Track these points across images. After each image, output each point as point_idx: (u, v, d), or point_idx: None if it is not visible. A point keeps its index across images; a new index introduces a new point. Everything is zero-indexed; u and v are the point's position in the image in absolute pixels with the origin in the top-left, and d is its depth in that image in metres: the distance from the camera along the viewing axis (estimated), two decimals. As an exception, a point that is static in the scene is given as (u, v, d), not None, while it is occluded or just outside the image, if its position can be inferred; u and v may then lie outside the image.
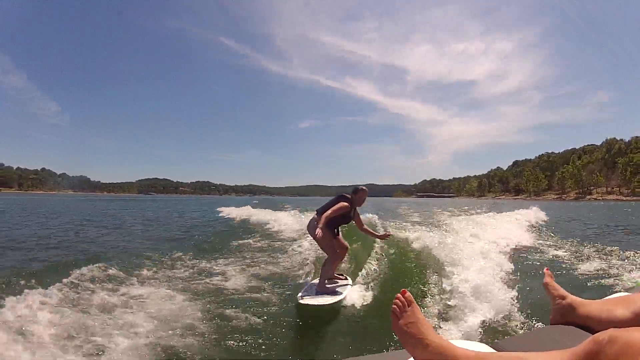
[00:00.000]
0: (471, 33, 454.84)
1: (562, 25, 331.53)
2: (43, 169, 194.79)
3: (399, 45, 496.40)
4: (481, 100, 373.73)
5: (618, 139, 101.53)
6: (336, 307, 3.28)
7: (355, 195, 3.74)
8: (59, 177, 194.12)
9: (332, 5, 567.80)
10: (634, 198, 72.55)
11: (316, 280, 3.79)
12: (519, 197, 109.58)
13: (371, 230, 4.02)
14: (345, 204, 3.63)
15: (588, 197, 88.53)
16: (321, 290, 3.50)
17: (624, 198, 75.46)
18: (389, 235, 4.03)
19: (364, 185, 3.87)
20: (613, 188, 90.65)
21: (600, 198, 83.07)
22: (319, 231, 3.37)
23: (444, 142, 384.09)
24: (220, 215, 13.95)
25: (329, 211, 3.53)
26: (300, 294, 3.40)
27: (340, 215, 3.66)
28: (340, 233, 3.95)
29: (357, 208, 3.88)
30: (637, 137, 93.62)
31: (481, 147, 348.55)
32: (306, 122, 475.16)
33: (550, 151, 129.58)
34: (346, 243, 4.01)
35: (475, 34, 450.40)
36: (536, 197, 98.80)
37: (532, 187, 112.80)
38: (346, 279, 3.95)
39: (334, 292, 3.48)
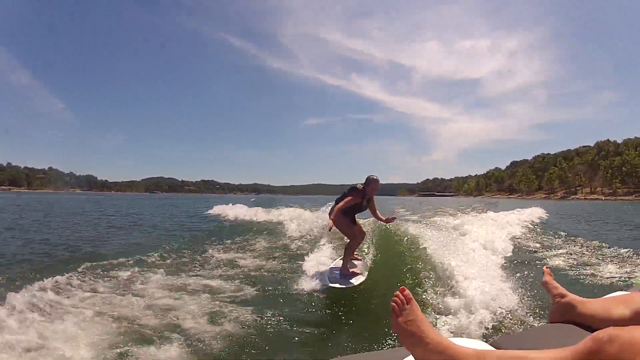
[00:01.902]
0: (478, 30, 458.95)
1: (569, 24, 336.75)
2: (50, 168, 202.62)
3: (405, 43, 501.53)
4: (487, 98, 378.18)
5: (612, 140, 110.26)
6: (335, 302, 3.49)
7: (368, 186, 4.06)
8: (67, 176, 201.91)
9: (338, 3, 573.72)
10: (612, 198, 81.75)
11: (335, 264, 4.39)
12: (512, 196, 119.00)
13: (380, 216, 4.31)
14: (355, 197, 4.03)
15: (572, 197, 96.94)
16: (345, 273, 3.96)
17: (603, 198, 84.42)
18: (394, 218, 4.38)
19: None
20: (596, 188, 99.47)
21: (582, 198, 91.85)
22: (330, 222, 3.84)
23: (449, 140, 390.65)
24: (217, 213, 14.64)
25: (341, 203, 4.01)
26: (327, 278, 3.82)
27: (353, 206, 4.07)
28: (356, 220, 4.36)
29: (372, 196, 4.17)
30: (628, 139, 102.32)
31: (487, 145, 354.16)
32: (311, 120, 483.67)
33: (547, 152, 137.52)
34: (364, 230, 4.48)
35: (482, 32, 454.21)
36: (527, 197, 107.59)
37: (524, 187, 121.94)
38: (361, 260, 4.52)
39: (355, 274, 3.96)
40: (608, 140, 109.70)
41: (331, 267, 4.29)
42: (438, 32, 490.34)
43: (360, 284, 3.78)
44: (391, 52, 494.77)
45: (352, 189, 4.11)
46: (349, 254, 4.13)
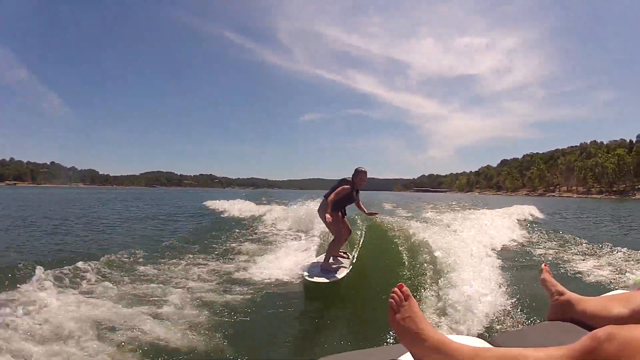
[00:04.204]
0: (475, 27, 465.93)
1: (568, 22, 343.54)
2: (53, 163, 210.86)
3: (403, 39, 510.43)
4: (484, 96, 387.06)
5: (599, 141, 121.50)
6: (332, 299, 3.62)
7: (356, 177, 4.32)
8: (69, 171, 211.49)
9: None
10: (584, 196, 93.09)
11: (317, 260, 4.51)
12: (498, 193, 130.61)
13: (364, 208, 4.60)
14: (346, 186, 4.25)
15: (549, 194, 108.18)
16: (325, 268, 4.08)
17: (575, 196, 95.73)
18: (376, 214, 4.78)
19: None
20: (572, 187, 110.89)
21: (557, 195, 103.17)
22: (329, 217, 3.98)
23: (446, 137, 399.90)
24: (207, 208, 14.56)
25: (332, 195, 4.17)
26: (305, 273, 3.87)
27: (343, 197, 4.27)
28: (346, 215, 4.58)
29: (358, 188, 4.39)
30: (613, 140, 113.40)
31: (483, 142, 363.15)
32: (308, 115, 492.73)
33: (546, 150, 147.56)
34: (350, 227, 4.65)
35: (479, 29, 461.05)
36: (511, 193, 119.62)
37: (509, 184, 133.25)
38: (348, 257, 4.55)
39: (335, 271, 4.02)
40: (595, 141, 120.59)
41: (312, 262, 4.46)
42: (435, 29, 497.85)
43: (342, 278, 3.88)
44: (388, 48, 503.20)
45: (343, 181, 4.38)
46: (332, 250, 4.30)
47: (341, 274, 3.98)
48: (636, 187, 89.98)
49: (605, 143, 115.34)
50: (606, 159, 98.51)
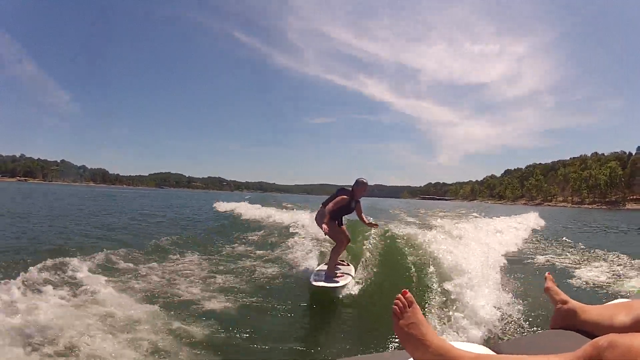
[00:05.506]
0: (486, 33, 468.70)
1: (581, 30, 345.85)
2: (63, 161, 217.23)
3: (413, 44, 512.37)
4: (495, 103, 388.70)
5: (600, 153, 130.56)
6: (336, 304, 3.74)
7: (357, 187, 4.51)
8: (80, 169, 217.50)
9: (345, 1, 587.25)
10: (577, 206, 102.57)
11: (321, 267, 4.70)
12: (499, 202, 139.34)
13: (364, 219, 4.86)
14: (345, 196, 4.42)
15: (545, 204, 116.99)
16: (330, 275, 4.22)
17: (569, 205, 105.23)
18: (376, 225, 5.06)
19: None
20: (567, 197, 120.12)
21: (552, 205, 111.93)
22: (325, 227, 4.13)
23: (455, 144, 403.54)
24: (215, 209, 15.18)
25: (330, 204, 4.35)
26: (311, 278, 4.08)
27: (341, 207, 4.46)
28: (344, 223, 4.77)
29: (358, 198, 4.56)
30: (615, 152, 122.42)
31: (492, 150, 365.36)
32: (317, 119, 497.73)
33: (557, 158, 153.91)
34: (348, 234, 4.83)
35: (490, 34, 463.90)
36: (512, 202, 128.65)
37: (510, 193, 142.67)
38: (348, 265, 4.81)
39: (340, 277, 4.21)
40: (595, 153, 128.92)
41: (317, 270, 4.62)
42: (446, 34, 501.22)
43: (346, 284, 4.09)
44: (398, 52, 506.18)
45: (341, 190, 4.58)
46: (334, 257, 4.43)
47: (345, 280, 4.20)
48: (627, 198, 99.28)
49: (605, 155, 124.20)
50: (599, 171, 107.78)
